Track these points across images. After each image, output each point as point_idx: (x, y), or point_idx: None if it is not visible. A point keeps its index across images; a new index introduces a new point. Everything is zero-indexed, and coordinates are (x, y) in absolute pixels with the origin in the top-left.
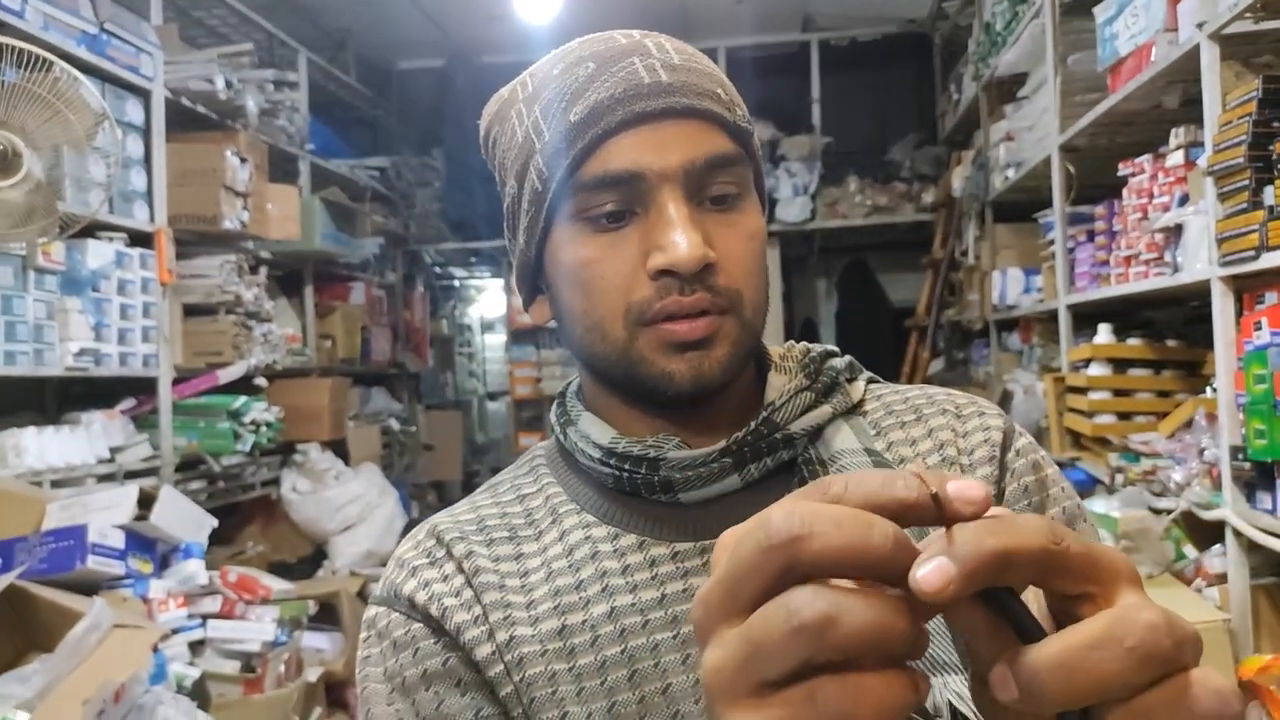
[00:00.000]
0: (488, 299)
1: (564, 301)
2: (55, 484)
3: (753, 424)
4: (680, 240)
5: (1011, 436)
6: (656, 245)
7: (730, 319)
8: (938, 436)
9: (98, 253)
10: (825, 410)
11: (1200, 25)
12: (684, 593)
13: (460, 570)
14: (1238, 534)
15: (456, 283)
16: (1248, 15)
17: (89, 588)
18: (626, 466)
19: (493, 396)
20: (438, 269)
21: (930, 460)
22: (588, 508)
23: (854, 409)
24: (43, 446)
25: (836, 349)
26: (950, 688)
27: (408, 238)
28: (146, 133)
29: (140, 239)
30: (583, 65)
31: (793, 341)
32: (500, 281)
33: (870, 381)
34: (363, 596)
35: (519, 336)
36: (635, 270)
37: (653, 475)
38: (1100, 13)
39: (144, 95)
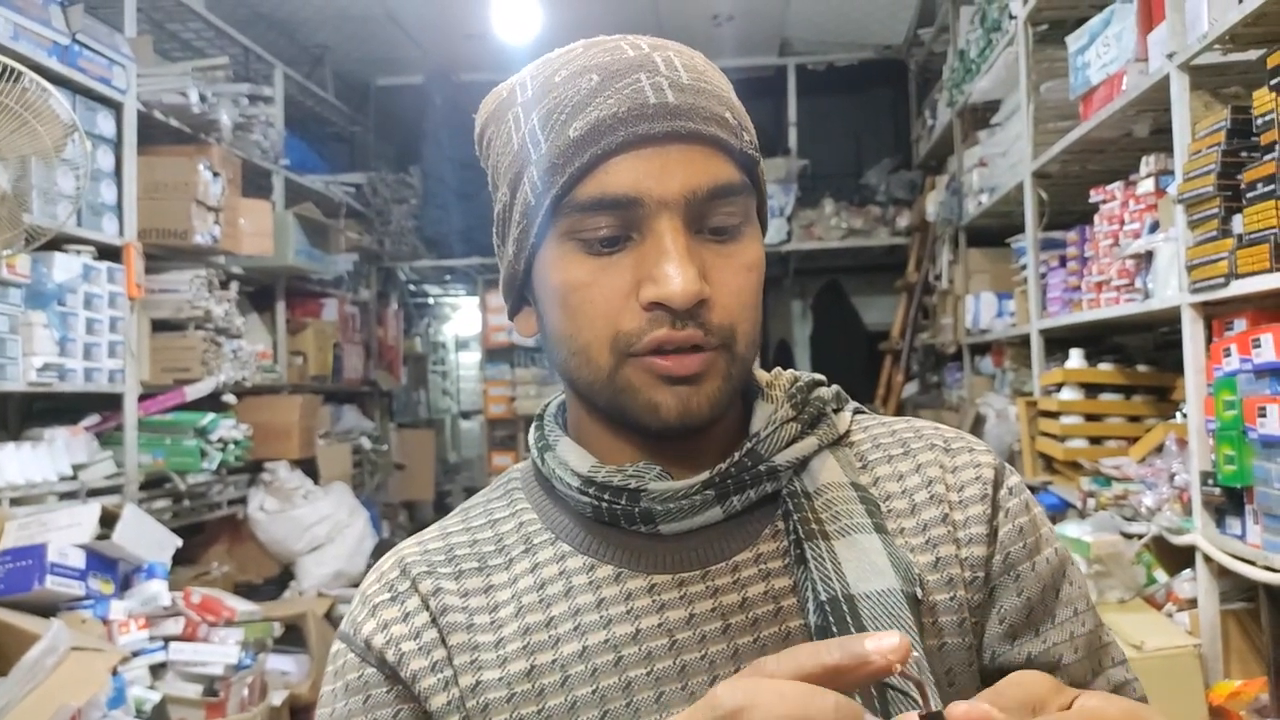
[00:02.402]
0: (462, 317)
1: (550, 322)
2: (15, 502)
3: (737, 455)
4: (675, 274)
5: (1003, 474)
6: (650, 276)
7: (722, 355)
8: (926, 473)
9: (64, 266)
10: (811, 442)
11: (1170, 56)
12: (659, 627)
13: (425, 608)
14: (1208, 559)
15: (431, 300)
16: (1216, 47)
17: (47, 609)
18: (606, 496)
19: (466, 415)
20: (412, 286)
21: (918, 497)
22: (563, 537)
23: (840, 440)
24: (3, 463)
25: (823, 378)
26: None
27: (382, 254)
28: (117, 145)
29: (109, 253)
30: (586, 76)
31: (780, 369)
32: (475, 300)
33: (856, 412)
34: (330, 618)
35: (493, 355)
36: (626, 298)
37: (633, 506)
38: (1072, 42)
39: (115, 107)
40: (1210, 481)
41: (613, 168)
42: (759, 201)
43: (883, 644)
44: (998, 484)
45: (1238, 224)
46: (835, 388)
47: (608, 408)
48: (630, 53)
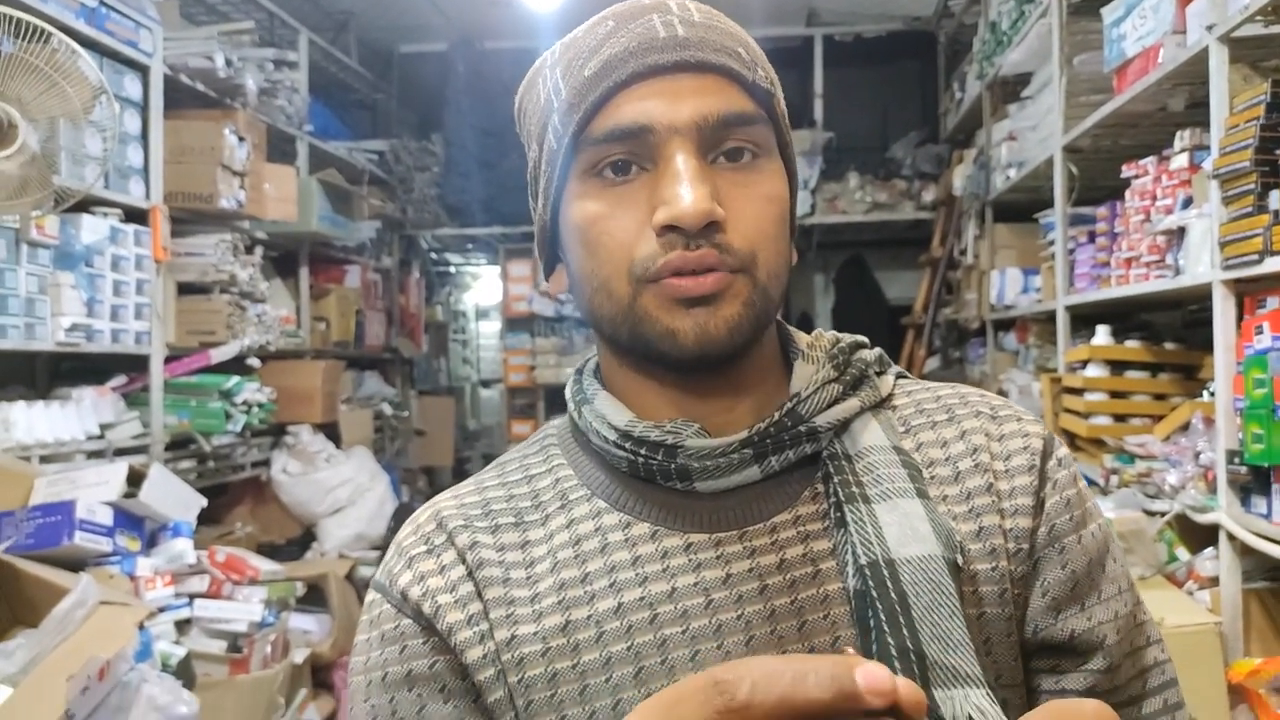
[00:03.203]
0: (483, 286)
1: (574, 263)
2: (44, 459)
3: (776, 414)
4: (685, 193)
5: (1052, 445)
6: (662, 199)
7: (742, 278)
8: (971, 440)
9: (92, 228)
10: (853, 404)
11: (1210, 28)
12: (695, 586)
13: (461, 561)
14: (1231, 538)
15: (452, 269)
16: (1258, 18)
17: (76, 564)
18: (643, 451)
19: (486, 384)
20: (434, 254)
21: (962, 464)
22: (599, 493)
23: (882, 403)
24: (32, 421)
25: (866, 340)
26: (971, 701)
27: (405, 222)
28: (144, 109)
29: (135, 215)
30: (602, 23)
31: (820, 330)
32: (496, 269)
33: (900, 376)
34: (352, 579)
35: (513, 324)
36: (641, 227)
37: (669, 462)
38: (1108, 14)
39: (142, 71)
40: (1237, 460)
41: (624, 99)
42: (781, 140)
43: (875, 683)
44: (1046, 455)
45: (1274, 200)
46: (878, 350)
47: (630, 343)
48: (647, 1)
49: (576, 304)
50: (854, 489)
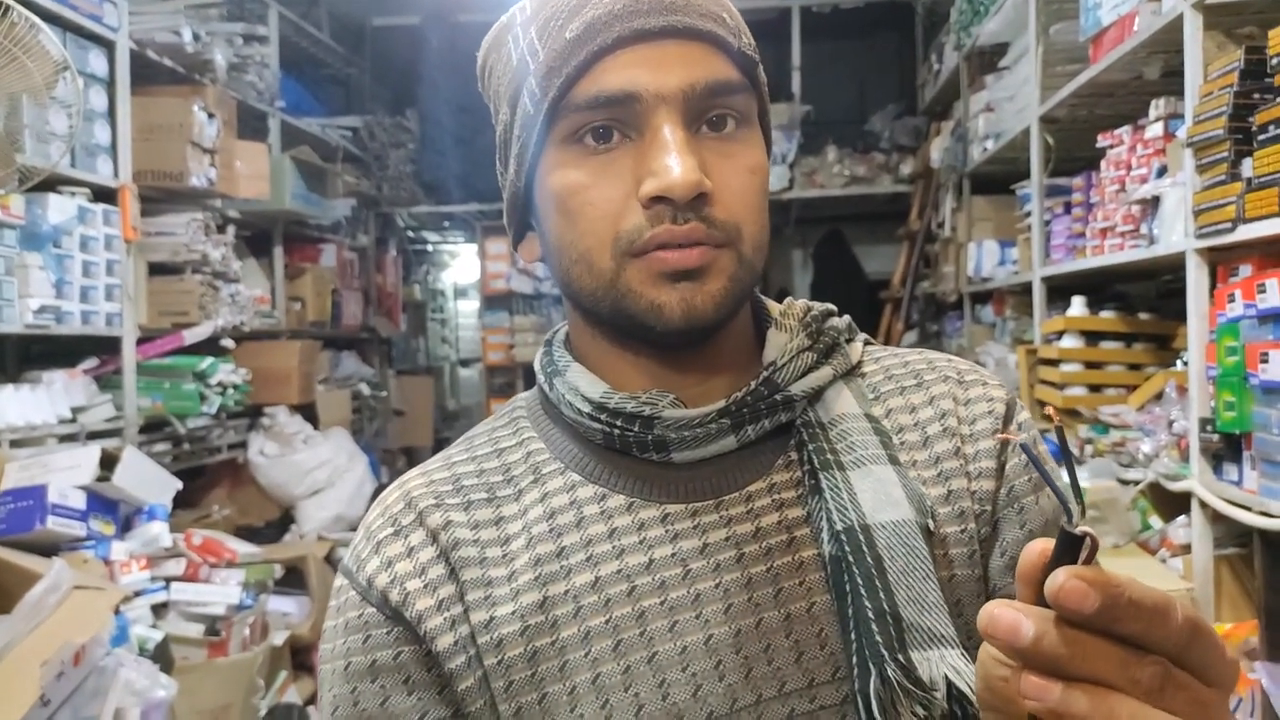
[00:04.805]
0: (461, 264)
1: (551, 232)
2: (14, 443)
3: (753, 384)
4: (674, 165)
5: (1014, 408)
6: (649, 170)
7: (727, 253)
8: (939, 405)
9: (59, 207)
10: (827, 372)
11: None
12: (672, 557)
13: (433, 541)
14: (1204, 505)
15: (429, 247)
16: None
17: (49, 549)
18: (619, 423)
19: (465, 363)
20: (410, 232)
21: (930, 430)
22: (573, 466)
23: (852, 371)
24: (2, 405)
25: (835, 308)
26: (947, 661)
27: (380, 200)
28: (110, 85)
29: (103, 195)
30: None
31: (791, 298)
32: (474, 247)
33: (867, 344)
34: (330, 561)
35: (492, 303)
36: (626, 198)
37: (646, 434)
38: None
39: (108, 46)
40: (1209, 428)
41: (609, 65)
42: (761, 109)
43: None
44: (1008, 418)
45: (1247, 167)
46: (847, 318)
47: (611, 316)
48: None
49: (551, 273)
50: (828, 456)
